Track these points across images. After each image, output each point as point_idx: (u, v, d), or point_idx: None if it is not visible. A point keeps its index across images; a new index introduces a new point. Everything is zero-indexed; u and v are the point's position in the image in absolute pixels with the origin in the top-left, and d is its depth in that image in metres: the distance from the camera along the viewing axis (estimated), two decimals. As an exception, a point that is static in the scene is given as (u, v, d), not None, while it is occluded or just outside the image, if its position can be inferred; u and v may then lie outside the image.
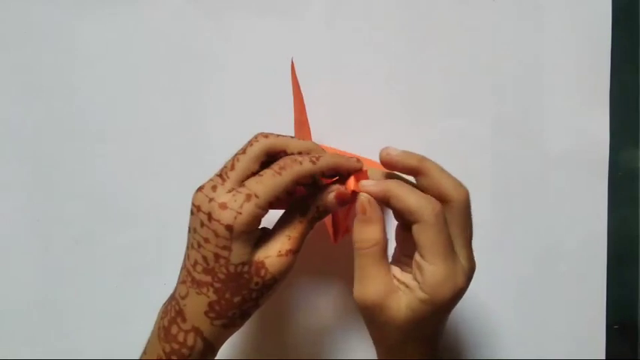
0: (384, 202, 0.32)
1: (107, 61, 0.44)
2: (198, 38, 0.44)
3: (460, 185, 0.33)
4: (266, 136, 0.33)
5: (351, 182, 0.33)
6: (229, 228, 0.31)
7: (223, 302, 0.32)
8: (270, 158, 0.33)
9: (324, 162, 0.32)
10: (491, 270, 0.32)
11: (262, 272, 0.32)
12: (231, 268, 0.31)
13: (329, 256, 0.43)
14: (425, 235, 0.31)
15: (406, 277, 0.32)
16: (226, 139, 0.43)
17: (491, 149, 0.44)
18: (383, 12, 0.43)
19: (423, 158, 0.33)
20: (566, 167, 0.44)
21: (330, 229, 0.40)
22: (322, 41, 0.44)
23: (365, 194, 0.33)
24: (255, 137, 0.33)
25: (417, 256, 0.31)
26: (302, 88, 0.38)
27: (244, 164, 0.32)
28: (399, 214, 0.33)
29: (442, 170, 0.33)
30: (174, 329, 0.33)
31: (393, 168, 0.33)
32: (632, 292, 0.44)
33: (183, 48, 0.44)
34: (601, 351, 0.44)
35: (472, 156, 0.44)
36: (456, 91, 0.44)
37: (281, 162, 0.32)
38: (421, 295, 0.31)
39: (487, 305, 0.44)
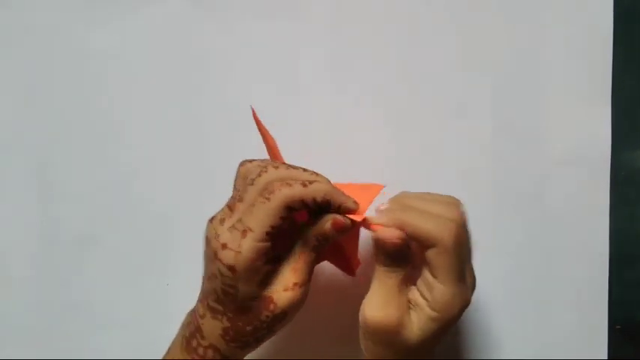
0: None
1: (109, 63, 0.44)
2: (201, 41, 0.44)
3: (442, 223, 0.31)
4: (289, 184, 0.31)
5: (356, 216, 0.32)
6: (231, 268, 0.30)
7: (237, 329, 0.32)
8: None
9: (316, 187, 0.31)
10: (492, 270, 0.32)
11: (271, 307, 0.32)
12: (239, 303, 0.32)
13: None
14: (441, 258, 0.30)
15: (413, 293, 0.32)
16: (229, 140, 0.44)
17: (492, 150, 0.43)
18: (383, 14, 0.43)
19: (398, 222, 0.31)
20: (568, 168, 0.43)
21: (343, 264, 0.38)
22: (323, 43, 0.43)
23: (396, 232, 0.31)
24: (273, 186, 0.31)
25: (427, 275, 0.31)
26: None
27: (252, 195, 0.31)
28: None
29: (419, 216, 0.31)
30: (194, 342, 0.33)
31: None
32: (635, 292, 0.44)
33: (187, 50, 0.44)
34: (603, 351, 0.44)
35: (473, 157, 0.43)
36: (456, 93, 0.43)
37: (269, 186, 0.31)
38: (431, 313, 0.31)
39: (488, 305, 0.44)
